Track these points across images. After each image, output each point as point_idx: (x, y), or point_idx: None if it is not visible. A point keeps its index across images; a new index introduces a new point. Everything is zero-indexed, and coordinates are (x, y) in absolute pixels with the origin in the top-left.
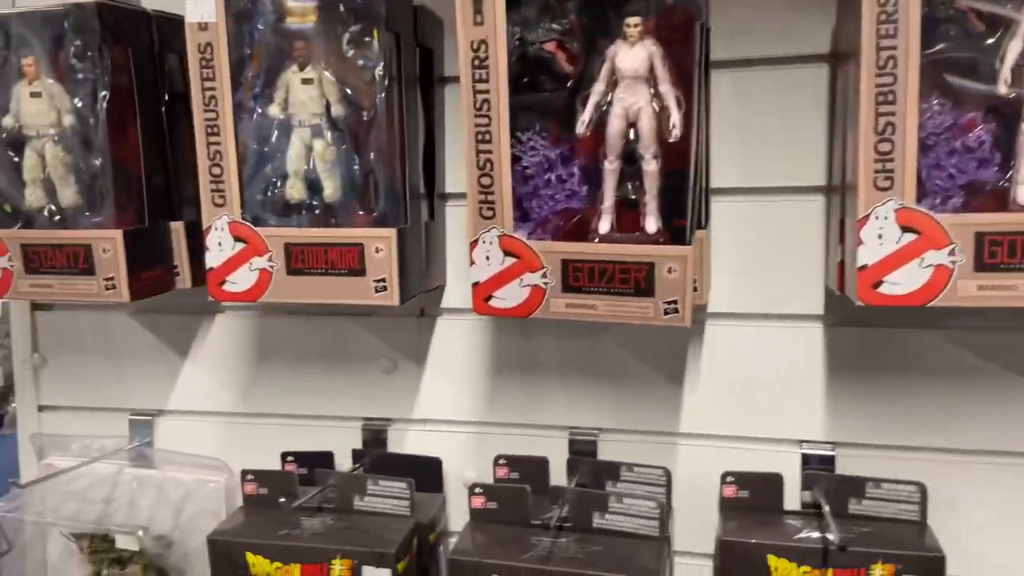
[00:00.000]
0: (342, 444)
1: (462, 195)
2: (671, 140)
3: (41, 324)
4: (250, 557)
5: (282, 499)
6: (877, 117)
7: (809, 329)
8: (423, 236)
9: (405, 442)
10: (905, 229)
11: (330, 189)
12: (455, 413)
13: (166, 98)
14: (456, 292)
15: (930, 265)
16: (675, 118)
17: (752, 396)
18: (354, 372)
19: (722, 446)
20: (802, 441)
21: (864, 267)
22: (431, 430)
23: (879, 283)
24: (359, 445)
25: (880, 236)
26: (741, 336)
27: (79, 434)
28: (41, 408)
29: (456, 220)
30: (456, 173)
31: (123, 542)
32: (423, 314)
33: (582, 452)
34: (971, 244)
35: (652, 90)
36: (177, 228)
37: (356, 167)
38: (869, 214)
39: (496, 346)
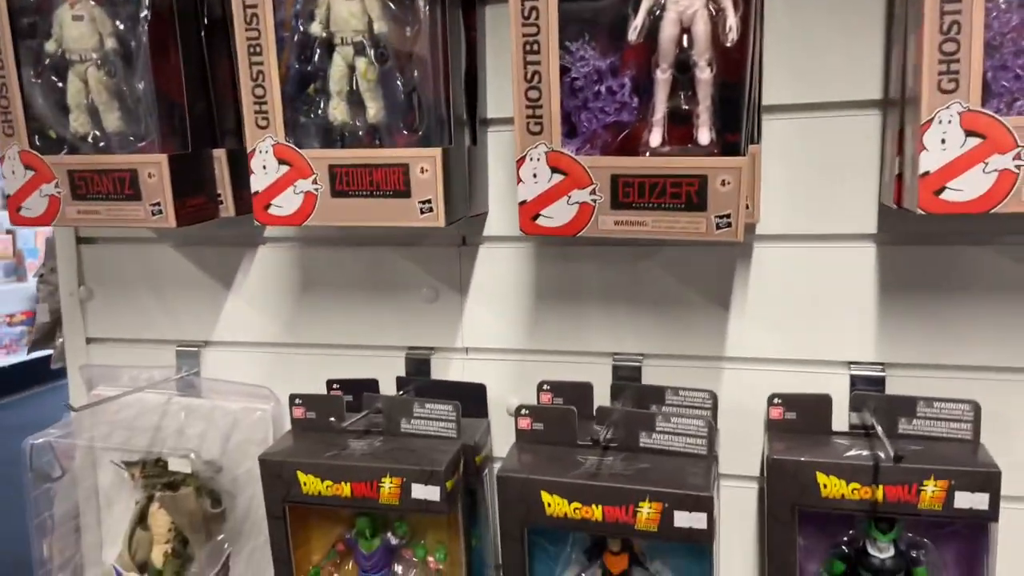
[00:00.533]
0: (386, 373)
1: (504, 121)
2: (727, 44)
3: (86, 257)
4: (301, 476)
5: (331, 419)
6: (942, 16)
7: (861, 248)
8: (466, 160)
9: (448, 371)
10: (969, 133)
11: (373, 110)
12: (498, 341)
13: (205, 23)
14: (498, 220)
15: (994, 170)
16: (731, 20)
17: (800, 318)
18: (397, 301)
19: (769, 369)
20: (851, 363)
21: (926, 174)
22: (474, 358)
23: (941, 190)
24: (403, 374)
25: (943, 141)
26: (791, 257)
27: (127, 365)
28: (89, 341)
29: (498, 147)
30: (497, 99)
31: (176, 465)
32: (465, 243)
33: (626, 378)
34: None
35: None
36: (220, 156)
37: (399, 86)
38: (932, 118)
39: (538, 273)
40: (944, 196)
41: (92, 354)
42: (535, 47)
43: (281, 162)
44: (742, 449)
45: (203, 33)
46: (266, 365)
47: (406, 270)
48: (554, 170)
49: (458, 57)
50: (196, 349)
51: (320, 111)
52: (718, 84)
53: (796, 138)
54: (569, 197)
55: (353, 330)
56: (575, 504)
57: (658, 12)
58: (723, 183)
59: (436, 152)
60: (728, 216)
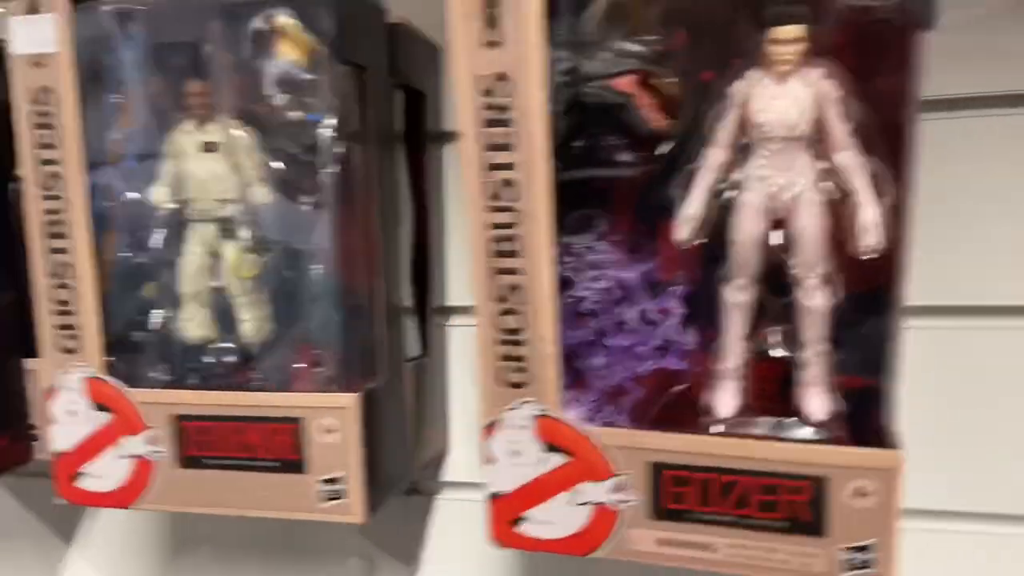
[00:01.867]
0: None
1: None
2: (862, 254)
3: None
4: None
5: None
6: None
7: None
8: (410, 390)
9: None
10: None
11: (251, 324)
12: None
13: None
14: (464, 457)
15: None
16: (869, 216)
17: None
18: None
19: None
20: None
21: None
22: None
23: None
24: None
25: None
26: (949, 542)
27: None
28: None
29: (461, 346)
30: (461, 275)
31: None
32: (414, 491)
33: None
34: None
35: (819, 163)
36: (36, 369)
37: (293, 286)
38: None
39: None
40: None
41: None
42: (512, 247)
43: (99, 407)
44: None
45: (6, 186)
46: None
47: (326, 530)
48: (550, 447)
49: (394, 228)
50: None
51: (164, 324)
52: (842, 310)
53: (955, 362)
54: (575, 493)
55: None
56: None
57: (727, 194)
58: (858, 493)
59: (350, 400)
60: (866, 549)
